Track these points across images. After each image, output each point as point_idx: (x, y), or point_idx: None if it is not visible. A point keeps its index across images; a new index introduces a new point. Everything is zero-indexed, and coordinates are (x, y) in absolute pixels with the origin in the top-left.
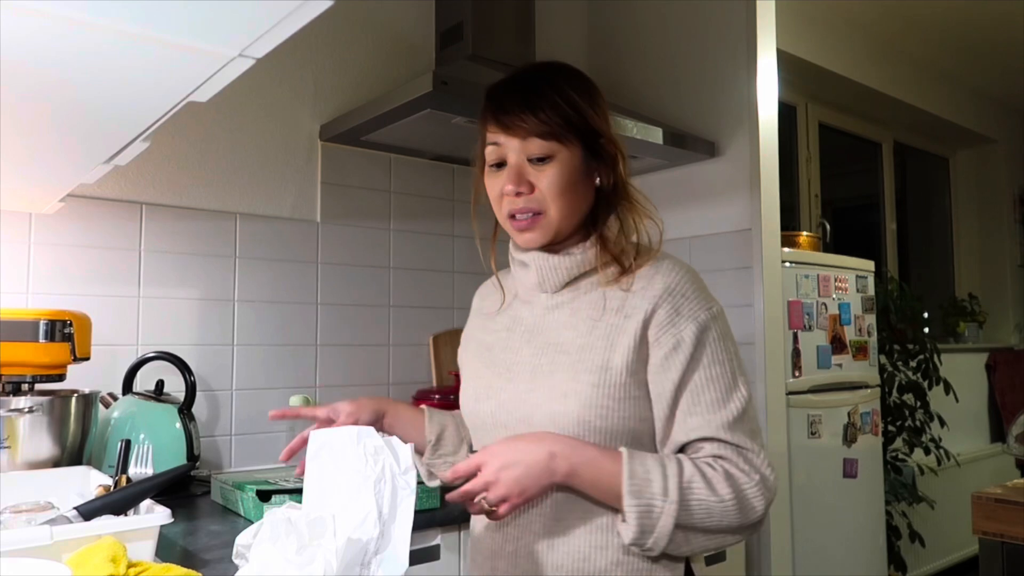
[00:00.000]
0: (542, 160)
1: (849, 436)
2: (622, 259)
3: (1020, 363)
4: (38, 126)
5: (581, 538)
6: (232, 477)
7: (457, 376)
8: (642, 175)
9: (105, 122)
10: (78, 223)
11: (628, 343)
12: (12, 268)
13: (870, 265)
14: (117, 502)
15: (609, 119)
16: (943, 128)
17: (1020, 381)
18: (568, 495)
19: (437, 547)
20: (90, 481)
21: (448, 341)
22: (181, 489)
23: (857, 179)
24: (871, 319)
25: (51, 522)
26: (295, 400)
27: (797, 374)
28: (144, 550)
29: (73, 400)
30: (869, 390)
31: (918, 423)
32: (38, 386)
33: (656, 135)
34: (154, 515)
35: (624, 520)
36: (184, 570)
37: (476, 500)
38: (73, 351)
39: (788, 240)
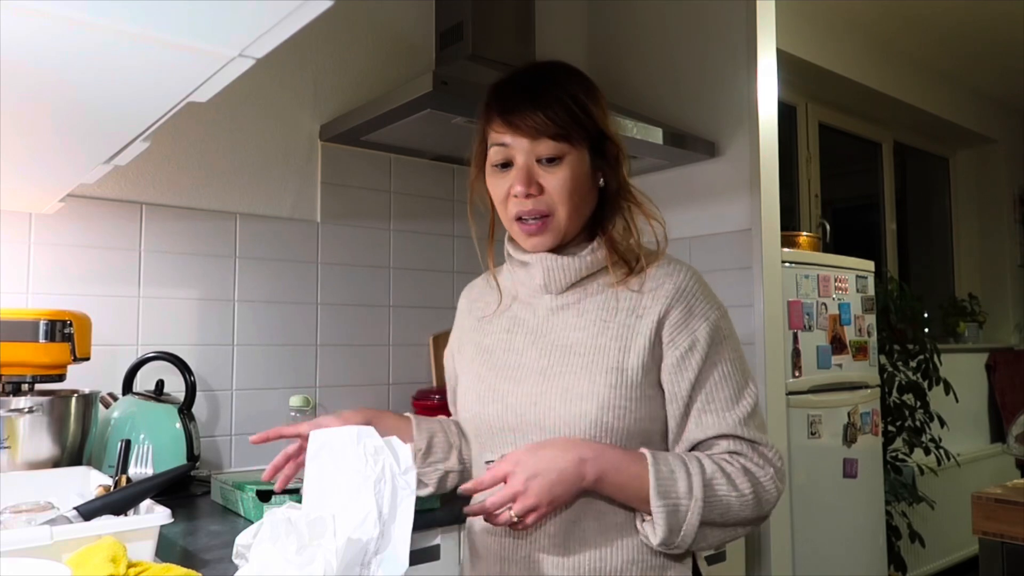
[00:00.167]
0: (551, 161)
1: (849, 436)
2: (630, 259)
3: (1020, 363)
4: (38, 126)
5: (597, 538)
6: (232, 477)
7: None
8: (642, 175)
9: (105, 122)
10: (78, 223)
11: (643, 343)
12: (12, 268)
13: (870, 265)
14: (117, 502)
15: (610, 118)
16: (943, 128)
17: (1020, 381)
18: (584, 497)
19: (437, 547)
20: (90, 481)
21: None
22: (181, 489)
23: (857, 179)
24: (871, 319)
25: (51, 522)
26: (295, 400)
27: (797, 374)
28: (144, 550)
29: (73, 400)
30: (869, 390)
31: (918, 423)
32: (38, 386)
33: (656, 135)
34: (154, 515)
35: (648, 521)
36: (184, 570)
37: (501, 511)
38: (73, 351)
39: (788, 240)
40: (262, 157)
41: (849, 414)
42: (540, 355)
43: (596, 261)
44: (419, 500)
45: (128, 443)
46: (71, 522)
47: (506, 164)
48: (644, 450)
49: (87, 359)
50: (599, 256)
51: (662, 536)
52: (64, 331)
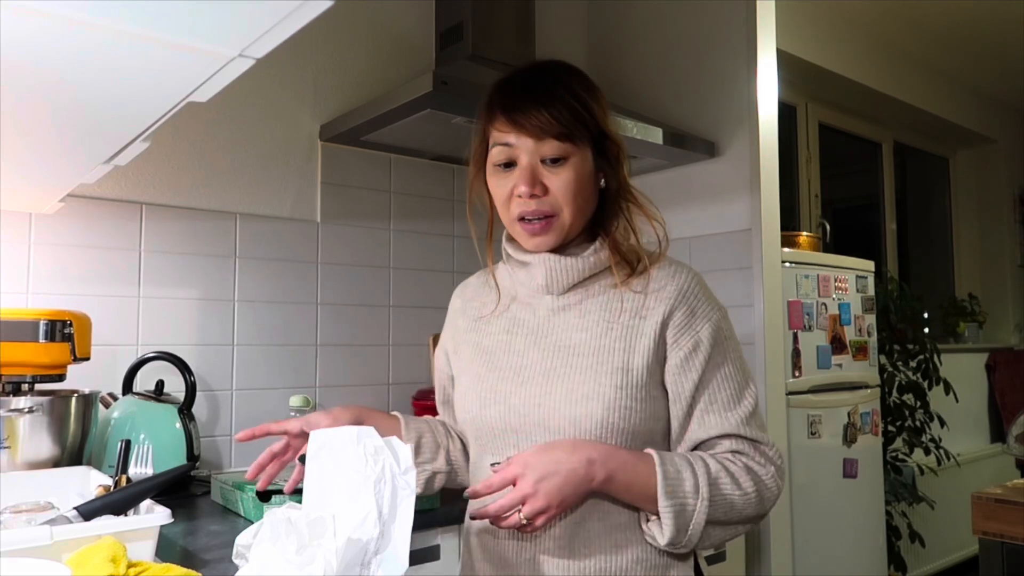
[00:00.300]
0: (556, 161)
1: (849, 436)
2: (632, 260)
3: (1020, 363)
4: (38, 126)
5: (602, 539)
6: (232, 477)
7: None
8: (642, 175)
9: (105, 122)
10: (78, 223)
11: (647, 344)
12: (12, 268)
13: (870, 265)
14: (117, 502)
15: (611, 118)
16: (943, 128)
17: (1020, 381)
18: (590, 498)
19: (437, 547)
20: (90, 481)
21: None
22: (181, 489)
23: (857, 179)
24: (871, 319)
25: (51, 522)
26: (295, 400)
27: (797, 374)
28: (144, 550)
29: (73, 400)
30: (869, 390)
31: (918, 423)
32: (38, 386)
33: (656, 135)
34: (154, 515)
35: (654, 521)
36: (184, 570)
37: (510, 514)
38: (73, 351)
39: (788, 240)
40: (262, 157)
41: (849, 414)
42: (543, 356)
43: (599, 262)
44: (419, 500)
45: (128, 443)
46: (71, 522)
47: (509, 164)
48: (650, 450)
49: (87, 359)
50: (601, 257)
51: (670, 536)
52: (64, 331)
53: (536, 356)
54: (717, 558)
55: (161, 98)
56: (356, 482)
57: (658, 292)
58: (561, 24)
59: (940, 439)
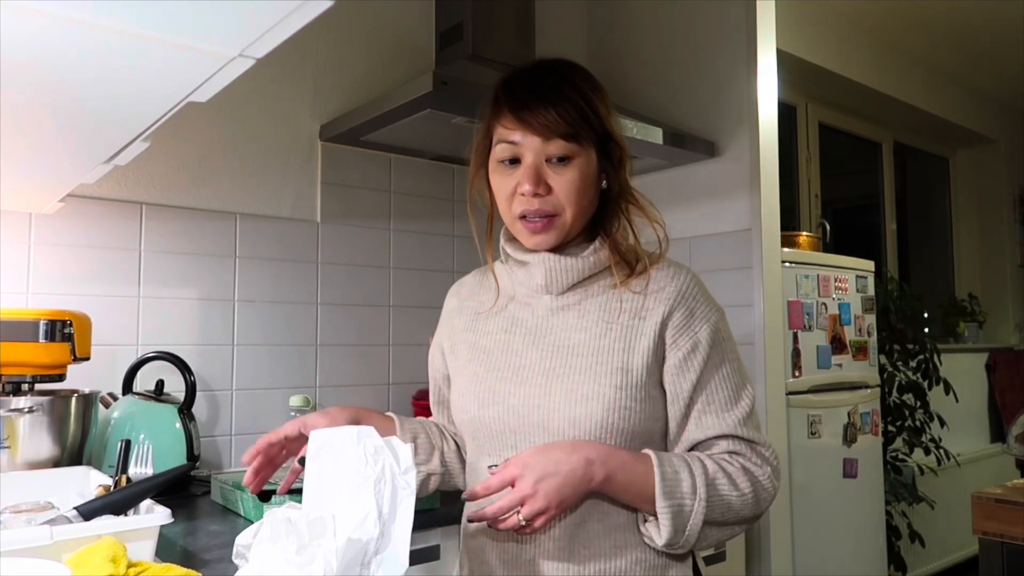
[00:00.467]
0: (561, 161)
1: (849, 436)
2: (631, 261)
3: (1020, 363)
4: (38, 126)
5: (601, 540)
6: (232, 477)
7: None
8: (642, 175)
9: (105, 122)
10: (78, 223)
11: (646, 345)
12: (12, 268)
13: (870, 265)
14: (117, 502)
15: (615, 119)
16: (943, 128)
17: (1020, 381)
18: (589, 498)
19: (437, 547)
20: (90, 481)
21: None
22: (181, 489)
23: (857, 179)
24: (871, 319)
25: (51, 522)
26: (295, 400)
27: (797, 374)
28: (144, 550)
29: (73, 400)
30: (869, 390)
31: (918, 423)
32: (38, 386)
33: (656, 135)
34: (154, 515)
35: (652, 521)
36: (184, 570)
37: (508, 515)
38: (73, 351)
39: (788, 240)
40: (262, 157)
41: (849, 414)
42: (541, 356)
43: (598, 262)
44: (419, 500)
45: (128, 443)
46: (71, 522)
47: (513, 161)
48: (648, 451)
49: (87, 359)
50: (601, 257)
51: (667, 536)
52: (64, 331)
53: (535, 356)
54: (717, 558)
55: (161, 98)
56: (356, 482)
57: (657, 293)
58: (561, 24)
59: (940, 439)
